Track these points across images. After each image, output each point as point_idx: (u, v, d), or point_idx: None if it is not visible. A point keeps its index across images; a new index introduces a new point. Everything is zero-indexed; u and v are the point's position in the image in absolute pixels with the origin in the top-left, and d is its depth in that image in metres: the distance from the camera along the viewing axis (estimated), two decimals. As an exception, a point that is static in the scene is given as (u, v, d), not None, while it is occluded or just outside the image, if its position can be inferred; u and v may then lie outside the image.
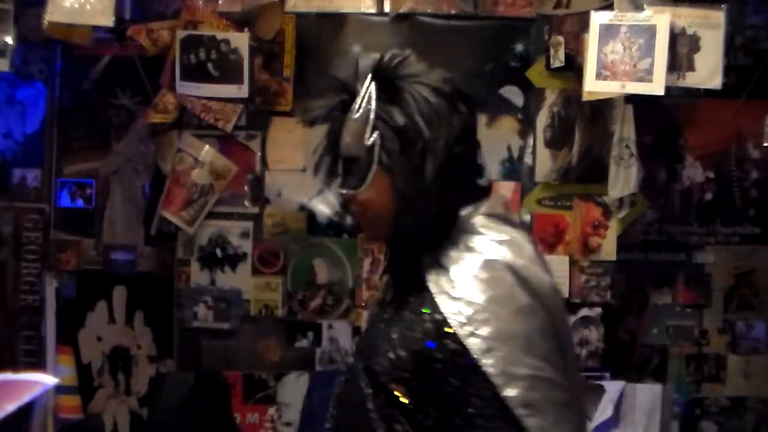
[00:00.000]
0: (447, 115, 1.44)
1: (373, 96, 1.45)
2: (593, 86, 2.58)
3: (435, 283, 1.41)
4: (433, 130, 1.41)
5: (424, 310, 1.41)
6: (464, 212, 1.46)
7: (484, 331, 1.35)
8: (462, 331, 1.36)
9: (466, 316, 1.36)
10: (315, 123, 1.55)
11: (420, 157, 1.40)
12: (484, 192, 1.50)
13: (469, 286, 1.38)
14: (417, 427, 1.38)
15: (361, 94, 1.46)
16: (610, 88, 2.60)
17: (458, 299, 1.38)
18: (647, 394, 2.93)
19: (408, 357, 1.40)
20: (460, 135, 1.45)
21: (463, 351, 1.35)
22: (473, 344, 1.35)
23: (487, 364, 1.34)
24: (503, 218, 1.48)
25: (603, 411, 2.89)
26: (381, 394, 1.41)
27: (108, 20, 2.71)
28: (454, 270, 1.41)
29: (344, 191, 1.50)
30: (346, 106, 1.49)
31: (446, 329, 1.37)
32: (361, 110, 1.46)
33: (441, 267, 1.42)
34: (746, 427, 3.02)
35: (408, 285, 1.47)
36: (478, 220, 1.45)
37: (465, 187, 1.48)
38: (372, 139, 1.43)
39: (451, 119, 1.44)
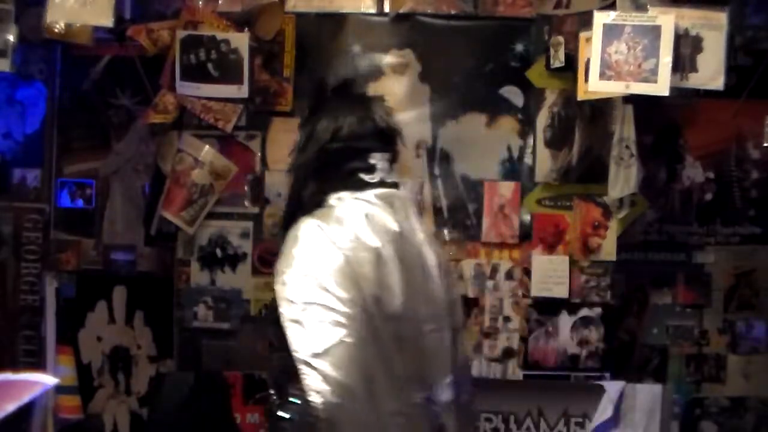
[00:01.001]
0: (333, 122, 1.94)
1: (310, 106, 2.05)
2: (597, 86, 2.56)
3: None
4: (316, 131, 1.96)
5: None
6: (335, 194, 1.91)
7: (287, 271, 1.80)
8: (278, 271, 1.83)
9: (282, 261, 1.84)
10: None
11: (303, 148, 1.98)
12: (369, 185, 1.92)
13: (289, 241, 1.86)
14: (277, 334, 1.81)
15: None
16: (615, 88, 2.58)
17: (283, 250, 1.86)
18: (647, 394, 2.93)
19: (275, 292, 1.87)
20: (344, 137, 1.93)
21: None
22: (278, 281, 1.81)
23: (280, 292, 1.79)
24: (365, 200, 1.90)
25: (603, 411, 2.89)
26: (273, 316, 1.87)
27: (107, 21, 2.71)
28: (291, 230, 1.88)
29: None
30: None
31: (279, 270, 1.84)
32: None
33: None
34: (746, 427, 3.02)
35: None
36: (337, 199, 1.90)
37: (342, 176, 1.93)
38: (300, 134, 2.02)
39: (338, 127, 1.93)
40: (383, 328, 1.78)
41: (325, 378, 1.68)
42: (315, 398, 1.68)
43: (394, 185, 1.97)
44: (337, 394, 1.68)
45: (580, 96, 2.72)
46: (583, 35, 2.69)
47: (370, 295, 1.78)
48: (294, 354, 1.72)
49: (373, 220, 1.86)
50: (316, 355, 1.70)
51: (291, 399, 1.78)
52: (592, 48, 2.54)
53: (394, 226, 1.87)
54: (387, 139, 1.98)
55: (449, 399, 1.92)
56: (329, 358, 1.69)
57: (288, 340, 1.74)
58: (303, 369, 1.70)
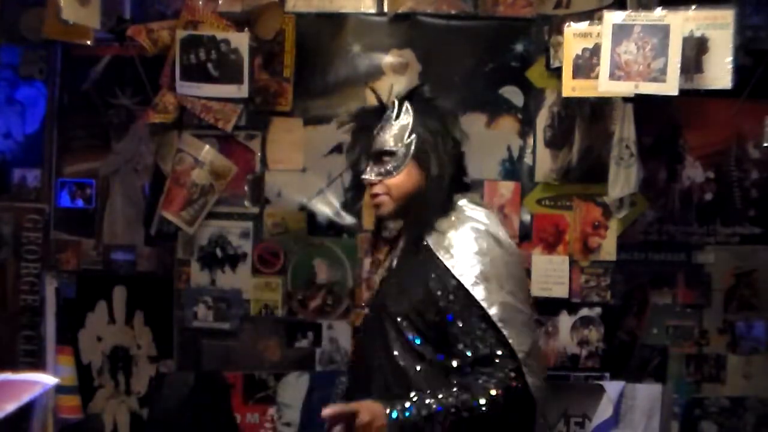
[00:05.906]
0: (453, 127, 2.14)
1: (411, 110, 2.11)
2: (607, 86, 2.54)
3: (435, 242, 2.02)
4: (449, 136, 2.11)
5: (427, 262, 2.01)
6: (455, 197, 2.11)
7: (473, 272, 1.97)
8: (456, 272, 1.98)
9: (460, 264, 1.99)
10: (344, 125, 2.24)
11: (444, 153, 2.08)
12: (467, 186, 2.19)
13: (462, 244, 2.01)
14: (422, 356, 1.99)
15: (396, 108, 2.12)
16: (624, 88, 2.53)
17: (454, 253, 2.00)
18: (647, 394, 2.93)
19: (419, 299, 2.00)
20: (455, 142, 2.12)
21: (460, 286, 1.97)
22: (466, 281, 1.97)
23: (476, 292, 1.96)
24: (477, 203, 2.13)
25: (603, 411, 2.89)
26: (399, 334, 2.01)
27: (95, 23, 2.70)
28: (451, 234, 2.03)
29: (374, 176, 2.10)
30: (377, 115, 2.16)
31: (446, 272, 1.98)
32: (401, 118, 2.11)
33: (439, 232, 2.04)
34: (746, 427, 3.02)
35: (414, 247, 2.07)
36: (463, 203, 2.10)
37: (459, 179, 2.14)
38: (410, 138, 2.08)
39: (454, 131, 2.13)
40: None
41: (534, 371, 1.96)
42: (533, 388, 1.95)
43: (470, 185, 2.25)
44: (544, 378, 2.01)
45: (566, 93, 2.65)
46: (568, 31, 2.62)
47: (525, 288, 2.13)
48: (502, 350, 1.94)
49: (498, 221, 2.14)
50: (527, 355, 1.96)
51: (485, 383, 1.93)
52: (602, 48, 2.51)
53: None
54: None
55: None
56: (533, 356, 1.98)
57: (491, 338, 1.94)
58: (523, 365, 1.94)
